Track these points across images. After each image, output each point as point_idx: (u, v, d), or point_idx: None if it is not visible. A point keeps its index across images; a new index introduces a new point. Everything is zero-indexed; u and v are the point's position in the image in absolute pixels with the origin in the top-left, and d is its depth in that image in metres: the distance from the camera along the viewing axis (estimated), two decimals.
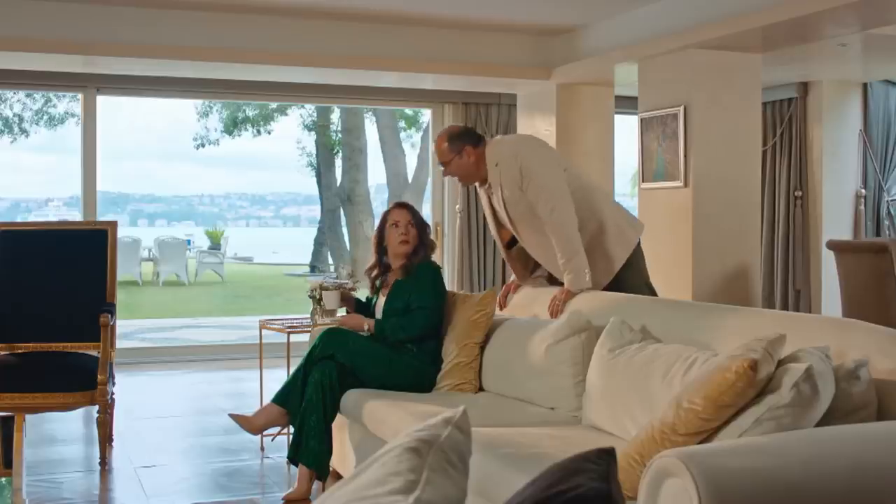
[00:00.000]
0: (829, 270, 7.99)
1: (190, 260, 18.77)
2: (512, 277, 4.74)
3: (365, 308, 4.60)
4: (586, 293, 4.13)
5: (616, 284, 4.30)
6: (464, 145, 4.31)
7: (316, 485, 4.19)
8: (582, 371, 3.67)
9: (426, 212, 8.58)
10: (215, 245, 22.63)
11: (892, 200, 8.28)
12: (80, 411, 5.50)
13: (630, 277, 4.33)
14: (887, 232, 8.11)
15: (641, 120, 6.42)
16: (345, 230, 18.01)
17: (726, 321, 3.43)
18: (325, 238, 19.42)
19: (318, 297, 4.94)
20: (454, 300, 4.40)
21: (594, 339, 3.69)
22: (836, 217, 8.12)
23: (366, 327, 4.30)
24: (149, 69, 7.31)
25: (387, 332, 4.26)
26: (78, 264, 5.16)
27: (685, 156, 6.03)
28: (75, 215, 25.28)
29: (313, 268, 20.26)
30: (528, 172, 4.20)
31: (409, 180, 15.51)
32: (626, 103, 8.03)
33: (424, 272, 4.34)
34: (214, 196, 40.64)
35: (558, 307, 4.07)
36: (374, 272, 4.50)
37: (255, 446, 5.12)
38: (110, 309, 4.89)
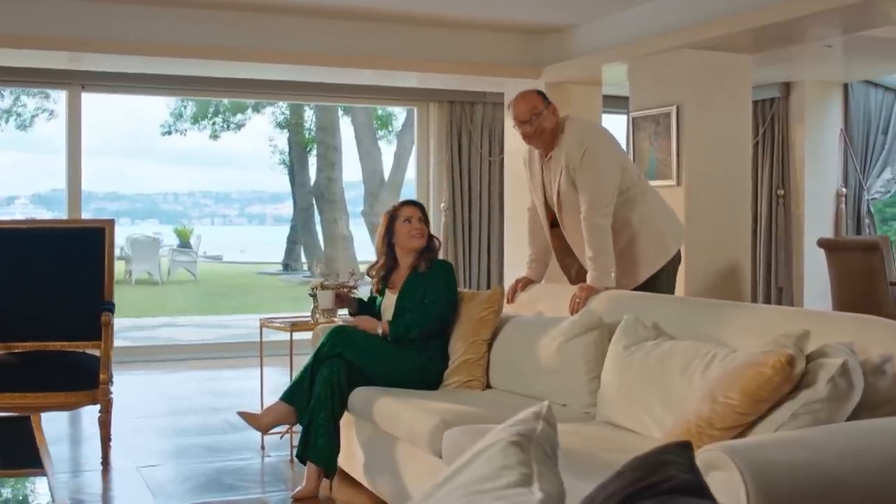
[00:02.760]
0: (811, 268, 8.12)
1: (162, 258, 18.61)
2: (523, 274, 4.75)
3: (367, 308, 4.60)
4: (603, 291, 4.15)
5: (645, 290, 4.31)
6: (550, 103, 4.34)
7: (323, 482, 4.19)
8: (594, 368, 3.70)
9: None
10: (184, 243, 22.46)
11: (872, 199, 8.42)
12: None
13: (659, 285, 4.34)
14: (867, 230, 8.25)
15: (633, 119, 6.48)
16: (319, 228, 17.95)
17: (738, 318, 3.48)
18: (299, 236, 19.34)
19: (315, 295, 4.95)
20: (461, 298, 4.43)
21: (606, 337, 3.72)
22: (817, 215, 8.24)
23: (380, 331, 4.31)
24: (131, 66, 7.28)
25: (401, 331, 4.27)
26: (74, 263, 5.12)
27: (678, 155, 6.09)
28: (42, 213, 24.99)
29: (286, 266, 20.18)
30: (586, 163, 4.20)
31: (386, 178, 15.50)
32: (611, 102, 8.10)
33: (438, 270, 4.37)
34: (179, 194, 40.29)
35: (579, 304, 4.09)
36: (382, 272, 4.51)
37: (255, 445, 5.11)
38: (110, 307, 4.86)
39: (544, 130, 4.32)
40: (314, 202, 17.70)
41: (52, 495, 2.35)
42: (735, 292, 6.14)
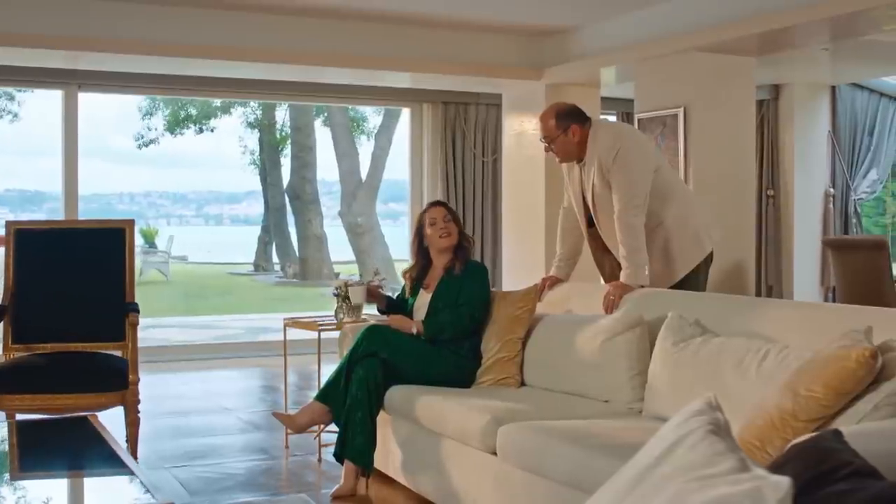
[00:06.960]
0: (800, 267, 8.30)
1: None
2: (551, 271, 4.82)
3: (398, 307, 4.64)
4: (636, 289, 4.23)
5: (678, 288, 4.40)
6: (570, 123, 4.39)
7: (360, 481, 4.22)
8: (636, 365, 3.77)
9: (405, 209, 8.61)
10: (150, 243, 22.28)
11: (858, 199, 8.63)
12: None
13: (693, 283, 4.44)
14: (854, 230, 8.46)
15: (639, 120, 6.59)
16: (292, 229, 17.90)
17: (776, 314, 3.59)
18: (271, 236, 19.27)
19: (343, 294, 4.98)
20: (494, 297, 4.49)
21: (647, 334, 3.81)
22: (806, 215, 8.43)
23: (414, 330, 4.36)
24: (126, 66, 7.25)
25: (435, 331, 4.32)
26: (95, 264, 5.08)
27: (685, 156, 6.21)
28: (6, 214, 24.57)
29: (257, 266, 20.09)
30: (619, 163, 4.29)
31: (363, 179, 15.51)
32: (605, 104, 8.23)
33: (472, 271, 4.43)
34: (134, 194, 39.89)
35: (614, 302, 4.17)
36: (415, 272, 4.57)
37: (278, 444, 5.13)
38: (135, 308, 4.85)
39: (565, 152, 4.43)
40: (287, 202, 17.65)
41: (152, 495, 2.36)
42: (738, 292, 6.26)
